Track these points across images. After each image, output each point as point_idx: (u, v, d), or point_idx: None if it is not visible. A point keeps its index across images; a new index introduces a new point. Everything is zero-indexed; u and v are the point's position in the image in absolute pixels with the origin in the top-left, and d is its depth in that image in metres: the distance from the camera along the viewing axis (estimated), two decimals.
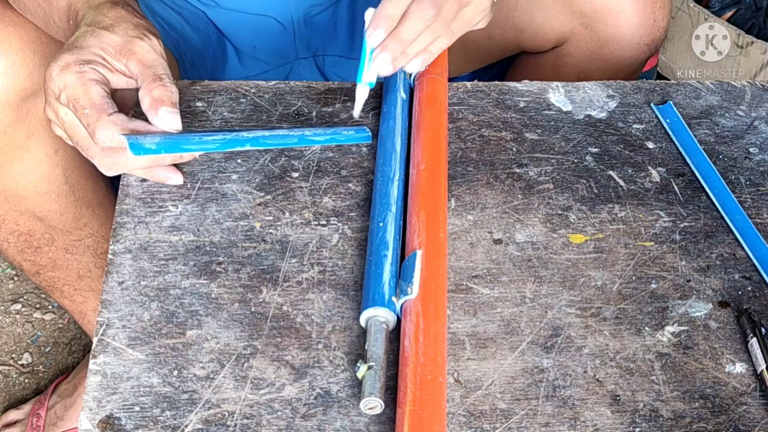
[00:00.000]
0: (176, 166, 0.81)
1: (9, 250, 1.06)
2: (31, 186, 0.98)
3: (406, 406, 0.64)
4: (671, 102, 0.93)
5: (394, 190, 0.79)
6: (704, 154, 0.89)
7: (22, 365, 1.40)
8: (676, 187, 0.86)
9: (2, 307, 1.47)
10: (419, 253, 0.73)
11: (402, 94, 0.88)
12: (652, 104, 0.93)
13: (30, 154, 0.95)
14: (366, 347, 0.68)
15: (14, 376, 1.39)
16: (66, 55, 0.73)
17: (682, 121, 0.92)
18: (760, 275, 0.79)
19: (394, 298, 0.71)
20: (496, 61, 1.19)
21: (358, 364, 0.68)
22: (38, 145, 0.95)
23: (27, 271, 1.10)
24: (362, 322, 0.71)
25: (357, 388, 0.68)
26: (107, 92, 0.72)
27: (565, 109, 0.93)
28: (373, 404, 0.66)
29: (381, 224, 0.76)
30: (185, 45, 1.10)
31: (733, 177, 0.87)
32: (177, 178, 0.79)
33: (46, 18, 0.85)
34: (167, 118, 0.72)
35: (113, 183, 1.07)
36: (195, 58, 1.11)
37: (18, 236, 1.04)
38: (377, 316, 0.70)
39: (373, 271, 0.73)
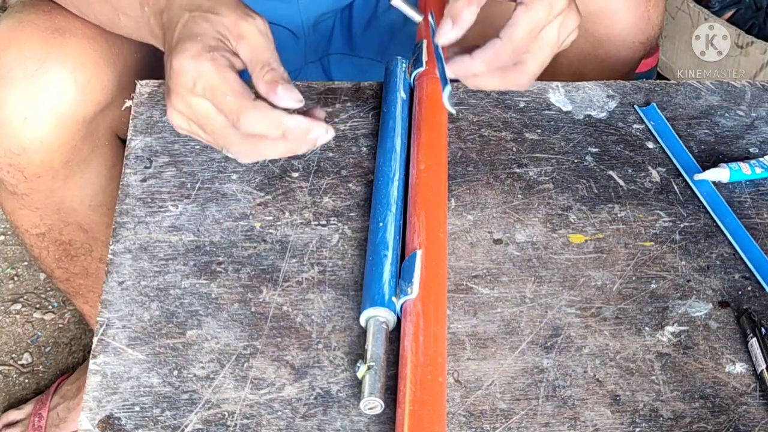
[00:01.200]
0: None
1: (47, 258, 1.06)
2: (86, 199, 0.98)
3: (405, 406, 0.64)
4: (654, 104, 0.93)
5: (394, 190, 0.79)
6: (690, 155, 0.89)
7: (22, 365, 1.40)
8: (676, 187, 0.86)
9: (2, 307, 1.47)
10: (419, 253, 0.73)
11: (402, 94, 0.88)
12: (635, 106, 0.93)
13: (91, 167, 0.95)
14: (366, 347, 0.68)
15: (14, 376, 1.39)
16: (190, 44, 0.71)
17: (666, 123, 0.92)
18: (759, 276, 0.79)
19: (394, 298, 0.71)
20: None
21: (358, 364, 0.68)
22: (100, 158, 0.96)
23: (57, 278, 1.10)
24: (362, 322, 0.71)
25: (357, 388, 0.68)
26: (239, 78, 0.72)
27: (565, 109, 0.93)
28: (373, 404, 0.66)
29: (381, 224, 0.76)
30: None
31: None
32: (330, 132, 0.73)
33: (113, 13, 0.84)
34: (286, 96, 0.71)
35: None
36: None
37: (59, 245, 1.04)
38: (377, 316, 0.70)
39: (373, 271, 0.73)
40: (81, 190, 0.97)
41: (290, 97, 0.71)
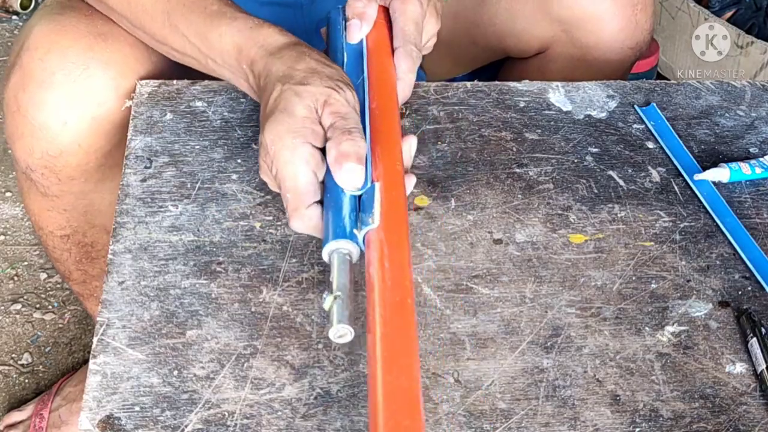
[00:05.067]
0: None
1: (68, 260, 1.07)
2: (115, 202, 0.99)
3: (376, 329, 0.63)
4: (654, 104, 0.93)
5: None
6: (690, 155, 0.89)
7: (22, 365, 1.40)
8: (676, 187, 0.86)
9: (2, 307, 1.47)
10: (378, 185, 0.72)
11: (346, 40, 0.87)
12: (635, 106, 0.93)
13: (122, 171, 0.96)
14: (330, 279, 0.67)
15: (14, 376, 1.39)
16: (275, 125, 0.73)
17: (666, 123, 0.92)
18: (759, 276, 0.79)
19: (355, 231, 0.70)
20: (484, 65, 1.19)
21: (324, 296, 0.66)
22: None
23: (74, 280, 1.10)
24: (325, 257, 0.70)
25: (357, 388, 0.68)
26: (314, 173, 0.73)
27: (565, 109, 0.93)
28: (342, 332, 0.64)
29: None
30: None
31: None
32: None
33: (198, 54, 0.84)
34: (349, 177, 0.72)
35: None
36: None
37: (81, 247, 1.05)
38: (340, 249, 0.69)
39: (333, 206, 0.71)
40: (110, 193, 0.97)
41: (352, 180, 0.72)
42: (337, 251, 0.69)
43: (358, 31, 0.83)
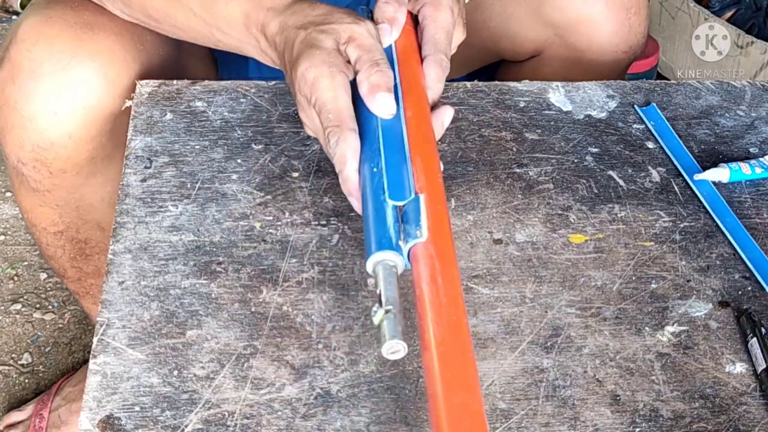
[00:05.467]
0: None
1: (62, 257, 1.06)
2: (106, 197, 0.99)
3: (432, 348, 0.61)
4: (654, 104, 0.93)
5: (380, 135, 0.75)
6: (690, 155, 0.89)
7: (22, 365, 1.40)
8: (676, 187, 0.86)
9: (2, 307, 1.47)
10: (422, 197, 0.70)
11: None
12: (635, 106, 0.93)
13: (113, 164, 0.95)
14: (378, 292, 0.65)
15: (14, 376, 1.39)
16: (310, 55, 0.74)
17: (666, 123, 0.92)
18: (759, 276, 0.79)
19: (401, 243, 0.67)
20: (479, 68, 1.19)
21: (374, 309, 0.64)
22: (122, 156, 0.96)
23: (69, 278, 1.10)
24: (369, 268, 0.67)
25: (357, 388, 0.68)
26: (352, 104, 0.74)
27: (565, 109, 0.93)
28: (396, 348, 0.62)
29: (375, 169, 0.72)
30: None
31: None
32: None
33: (205, 28, 0.85)
34: (384, 105, 0.74)
35: None
36: (228, 57, 1.11)
37: (75, 243, 1.05)
38: (386, 260, 0.67)
39: (375, 215, 0.69)
40: (102, 187, 0.97)
41: (386, 108, 0.74)
42: (382, 263, 0.67)
43: (388, 35, 0.82)
